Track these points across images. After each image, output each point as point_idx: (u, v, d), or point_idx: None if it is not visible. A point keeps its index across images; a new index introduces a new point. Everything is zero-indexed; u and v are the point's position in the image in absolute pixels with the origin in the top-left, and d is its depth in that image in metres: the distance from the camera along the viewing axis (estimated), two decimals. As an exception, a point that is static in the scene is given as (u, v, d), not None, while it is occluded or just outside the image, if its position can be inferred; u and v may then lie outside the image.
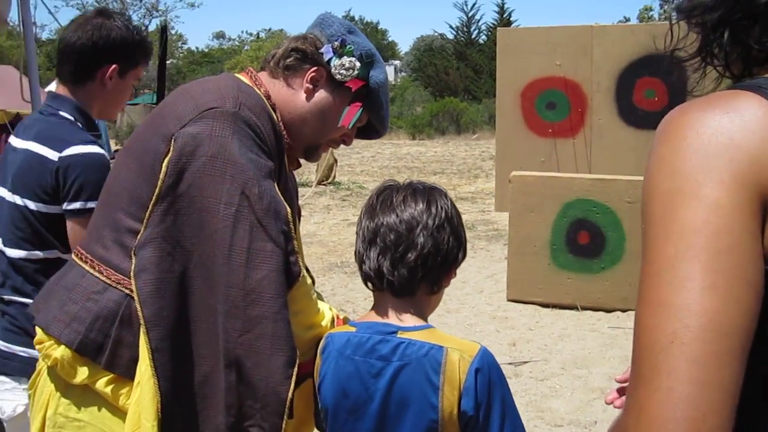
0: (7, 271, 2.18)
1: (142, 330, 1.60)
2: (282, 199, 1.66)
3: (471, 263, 8.14)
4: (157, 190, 1.62)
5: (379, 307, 1.62)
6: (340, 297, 6.85)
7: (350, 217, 11.03)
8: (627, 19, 37.81)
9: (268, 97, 1.83)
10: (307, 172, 15.41)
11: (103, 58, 2.20)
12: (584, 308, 6.21)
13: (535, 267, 6.33)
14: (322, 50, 1.85)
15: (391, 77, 63.15)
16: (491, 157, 19.49)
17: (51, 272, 2.07)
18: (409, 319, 1.58)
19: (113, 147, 23.79)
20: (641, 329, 0.77)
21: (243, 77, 1.87)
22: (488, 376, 1.50)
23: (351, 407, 1.56)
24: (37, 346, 1.78)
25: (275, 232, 1.60)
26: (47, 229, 2.12)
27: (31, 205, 2.11)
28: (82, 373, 1.69)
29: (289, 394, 1.56)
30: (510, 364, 5.00)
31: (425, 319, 1.60)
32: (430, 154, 22.30)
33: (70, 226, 2.09)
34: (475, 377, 1.48)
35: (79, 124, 2.19)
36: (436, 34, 49.35)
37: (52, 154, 2.08)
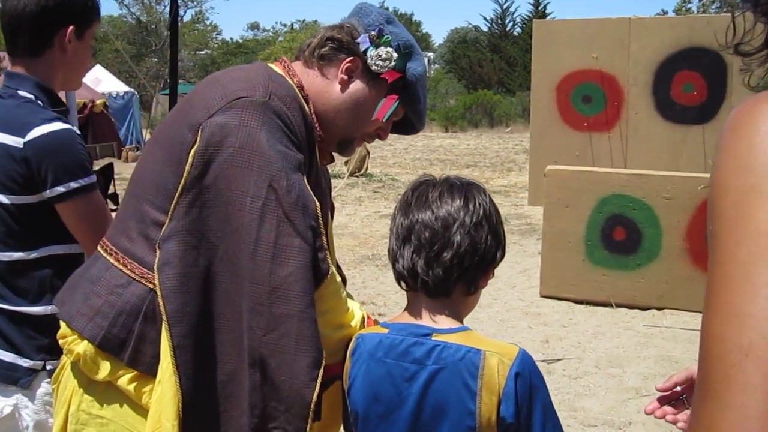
0: None
1: (164, 326, 1.55)
2: (311, 193, 1.60)
3: (504, 258, 8.07)
4: (182, 182, 1.57)
5: (412, 308, 1.56)
6: (371, 290, 6.81)
7: (382, 209, 10.99)
8: (664, 12, 37.23)
9: (301, 88, 1.77)
10: (339, 164, 15.38)
11: (57, 20, 2.04)
12: (619, 305, 6.11)
13: (569, 263, 6.24)
14: (358, 40, 1.78)
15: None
16: (524, 151, 19.33)
17: (34, 273, 2.01)
18: (444, 321, 1.51)
19: (147, 137, 23.71)
20: (711, 339, 0.70)
21: (275, 67, 1.82)
22: (529, 380, 1.44)
23: (383, 412, 1.51)
24: (60, 341, 1.74)
25: (303, 227, 1.54)
26: (26, 224, 2.01)
27: (4, 199, 1.98)
28: (105, 369, 1.65)
29: (314, 397, 1.50)
30: (543, 361, 4.92)
31: (461, 321, 1.54)
32: (462, 147, 22.16)
33: (64, 212, 1.99)
34: (515, 382, 1.42)
35: (39, 102, 2.04)
36: (470, 26, 48.97)
37: (16, 141, 1.95)
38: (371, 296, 6.58)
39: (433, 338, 1.48)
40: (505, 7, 43.67)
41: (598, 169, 7.03)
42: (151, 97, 30.62)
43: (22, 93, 2.04)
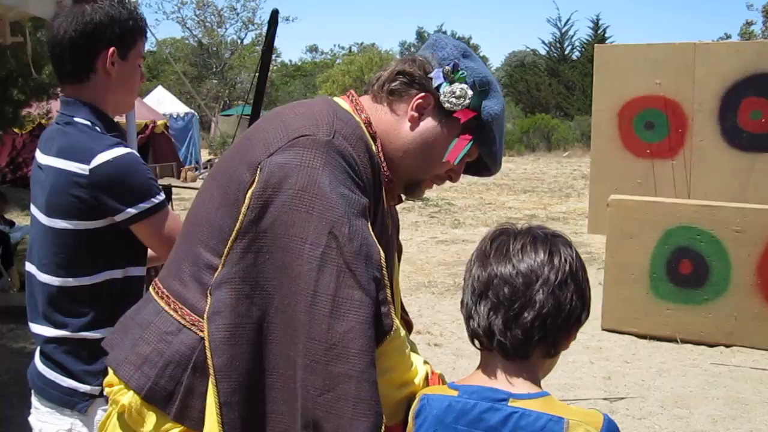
0: (43, 300, 2.04)
1: (211, 381, 1.45)
2: (375, 241, 1.49)
3: (563, 288, 7.88)
4: (237, 225, 1.48)
5: (485, 369, 1.44)
6: (426, 318, 6.71)
7: (438, 235, 10.88)
8: (728, 36, 36.49)
9: (369, 125, 1.67)
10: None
11: (97, 44, 2.03)
12: (684, 341, 5.90)
13: (632, 295, 6.05)
14: (431, 75, 1.66)
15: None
16: (583, 176, 19.04)
17: (93, 298, 1.99)
18: (522, 385, 1.39)
19: (204, 158, 23.91)
20: None
21: (342, 101, 1.71)
22: None
23: None
24: (106, 389, 1.67)
25: (365, 279, 1.42)
26: (87, 249, 1.98)
27: (69, 225, 1.96)
28: (150, 423, 1.55)
29: None
30: (605, 399, 4.75)
31: (539, 386, 1.42)
32: (519, 171, 21.94)
33: (138, 232, 1.98)
34: None
35: (97, 128, 2.03)
36: (528, 49, 48.75)
37: (81, 168, 1.93)
38: (427, 325, 6.47)
39: (509, 404, 1.36)
40: (564, 31, 43.38)
41: (663, 199, 6.82)
42: (210, 118, 31.10)
43: (78, 120, 2.03)
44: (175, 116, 22.60)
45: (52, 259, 2.01)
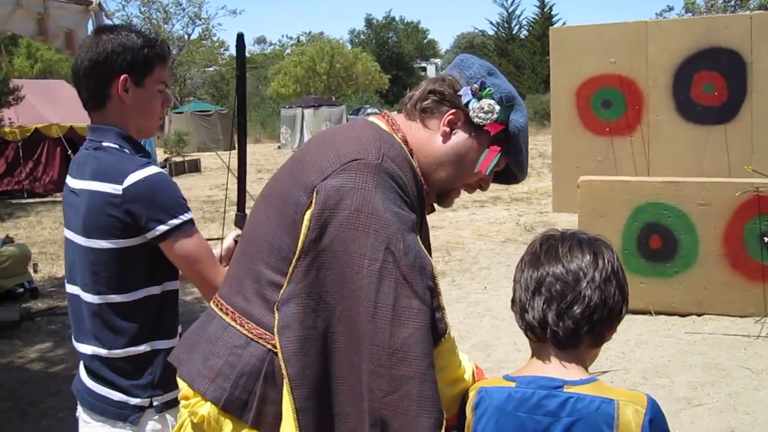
0: (89, 319, 2.12)
1: (286, 389, 1.58)
2: (427, 253, 1.62)
3: (535, 268, 8.08)
4: (299, 245, 1.60)
5: (539, 359, 1.58)
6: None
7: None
8: (670, 8, 37.19)
9: (406, 142, 1.79)
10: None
11: (107, 73, 2.10)
12: (658, 313, 6.13)
13: (606, 272, 6.25)
14: (460, 92, 1.79)
15: (432, 75, 62.93)
16: (540, 155, 19.34)
17: (135, 314, 2.07)
18: (574, 372, 1.53)
19: (161, 157, 23.51)
20: None
21: (380, 122, 1.83)
22: (660, 426, 1.47)
23: None
24: (182, 402, 1.77)
25: (421, 289, 1.56)
26: (127, 267, 2.06)
27: (107, 244, 2.04)
28: (227, 430, 1.68)
29: None
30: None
31: (587, 372, 1.56)
32: (477, 154, 22.13)
33: (168, 249, 2.05)
34: (650, 429, 1.45)
35: (126, 150, 2.11)
36: (476, 31, 49.11)
37: (115, 188, 2.01)
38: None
39: (565, 390, 1.50)
40: (510, 10, 43.77)
41: (631, 178, 7.04)
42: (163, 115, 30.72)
43: (106, 144, 2.11)
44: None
45: (93, 278, 2.08)
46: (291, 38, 62.00)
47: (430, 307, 1.56)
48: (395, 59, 53.33)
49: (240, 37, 2.47)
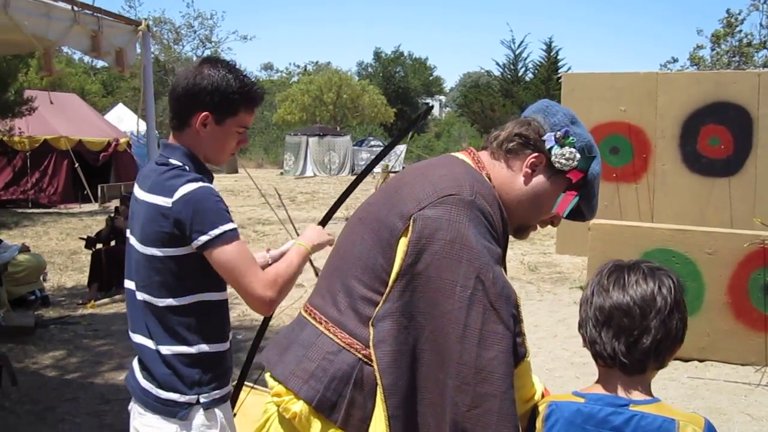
0: (142, 315, 2.27)
1: (380, 397, 1.74)
2: (510, 284, 1.78)
3: (540, 306, 8.23)
4: (396, 268, 1.77)
5: (607, 381, 1.71)
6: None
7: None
8: (675, 60, 37.64)
9: (489, 179, 1.93)
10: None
11: (193, 105, 2.24)
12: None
13: (612, 314, 6.40)
14: (544, 138, 1.93)
15: (436, 112, 63.40)
16: (543, 197, 19.50)
17: (186, 317, 2.21)
18: (639, 394, 1.68)
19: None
20: None
21: (467, 158, 1.98)
22: None
23: None
24: (275, 399, 1.93)
25: (506, 316, 1.72)
26: (177, 274, 2.20)
27: (159, 252, 2.18)
28: (316, 428, 1.84)
29: None
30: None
31: (651, 392, 1.71)
32: (480, 192, 22.31)
33: (212, 257, 2.16)
34: None
35: (186, 168, 2.24)
36: (482, 70, 49.58)
37: (166, 201, 2.15)
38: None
39: (630, 408, 1.65)
40: (517, 52, 44.22)
41: (641, 223, 7.23)
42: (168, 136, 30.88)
43: (172, 161, 2.26)
44: (136, 135, 22.42)
45: (148, 281, 2.24)
46: (298, 66, 62.41)
47: (512, 332, 1.72)
48: (401, 93, 53.74)
49: (428, 110, 2.67)
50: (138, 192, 2.30)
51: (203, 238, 2.14)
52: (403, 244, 1.77)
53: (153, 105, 4.78)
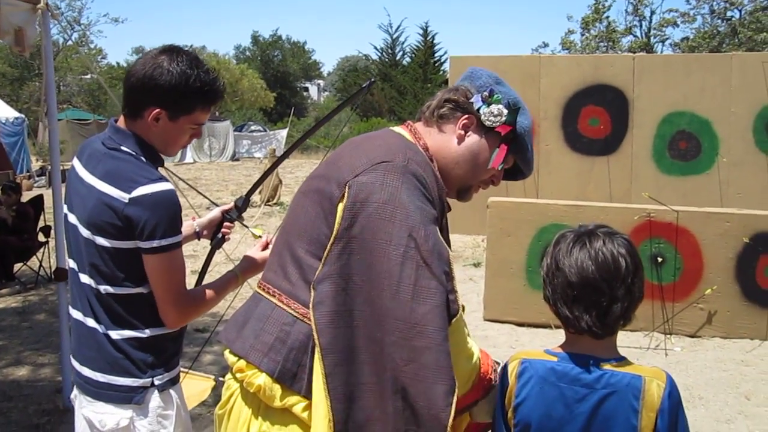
0: (85, 296, 2.22)
1: (317, 356, 1.80)
2: (444, 242, 1.85)
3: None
4: (334, 232, 1.83)
5: (578, 343, 1.81)
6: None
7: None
8: (546, 44, 38.99)
9: (426, 149, 2.02)
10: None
11: (146, 98, 2.16)
12: (557, 327, 6.55)
13: (511, 288, 6.67)
14: (472, 100, 2.04)
15: (315, 96, 63.19)
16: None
17: (133, 305, 2.19)
18: (607, 353, 1.78)
19: (35, 165, 22.25)
20: None
21: (404, 131, 2.07)
22: (676, 397, 1.75)
23: (554, 427, 1.78)
24: (238, 375, 1.96)
25: (438, 271, 1.78)
26: (127, 264, 2.16)
27: (104, 242, 2.14)
28: (281, 398, 1.89)
29: (450, 421, 1.73)
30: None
31: (617, 351, 1.82)
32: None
33: (150, 261, 2.14)
34: (669, 400, 1.72)
35: (141, 158, 2.18)
36: (360, 54, 49.76)
37: (121, 195, 2.09)
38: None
39: (601, 367, 1.76)
40: (394, 37, 44.60)
41: (537, 200, 7.52)
42: (36, 122, 29.52)
43: (124, 149, 2.19)
44: (3, 121, 21.24)
45: (91, 268, 2.19)
46: (172, 50, 60.49)
47: (445, 288, 1.79)
48: (280, 77, 53.22)
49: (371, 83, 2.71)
50: (83, 173, 2.22)
51: (152, 244, 2.12)
52: (340, 210, 1.83)
53: (54, 87, 4.56)
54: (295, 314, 1.89)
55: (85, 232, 2.19)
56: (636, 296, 1.77)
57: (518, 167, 2.15)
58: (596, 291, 1.74)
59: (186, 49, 2.26)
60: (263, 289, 2.00)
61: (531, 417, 1.81)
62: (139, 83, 2.16)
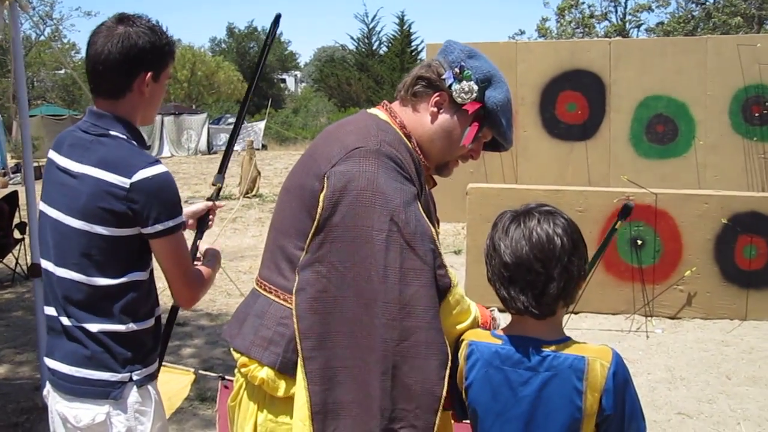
0: (65, 295, 2.16)
1: (297, 340, 1.83)
2: (427, 220, 1.85)
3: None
4: (315, 222, 1.84)
5: (521, 325, 1.79)
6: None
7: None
8: (522, 32, 39.06)
9: (403, 127, 2.02)
10: (230, 185, 15.36)
11: (137, 67, 2.15)
12: (539, 312, 6.57)
13: (492, 274, 6.65)
14: (444, 76, 2.01)
15: (292, 87, 62.90)
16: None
17: (121, 296, 2.14)
18: (551, 334, 1.77)
19: (10, 162, 22.18)
20: None
21: (379, 111, 2.07)
22: (622, 376, 1.73)
23: (499, 410, 1.77)
24: (242, 370, 2.00)
25: (423, 251, 1.79)
26: (118, 253, 2.13)
27: (104, 231, 2.09)
28: (284, 388, 1.92)
29: (444, 392, 1.77)
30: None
31: (562, 331, 1.80)
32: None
33: (159, 245, 2.13)
34: (614, 380, 1.71)
35: (133, 142, 2.16)
36: (337, 45, 49.67)
37: (122, 181, 2.06)
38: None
39: (543, 349, 1.74)
40: (371, 26, 44.51)
41: (517, 186, 7.53)
42: (11, 119, 29.20)
43: (113, 133, 2.15)
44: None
45: (82, 260, 2.13)
46: (146, 44, 59.97)
47: (432, 266, 1.80)
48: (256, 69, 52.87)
49: (278, 18, 2.68)
50: (68, 164, 2.16)
51: (158, 227, 2.09)
52: (321, 201, 1.84)
53: (24, 83, 4.47)
54: (291, 308, 1.90)
55: (76, 223, 2.12)
56: (575, 275, 1.74)
57: (497, 141, 2.13)
58: (530, 271, 1.72)
59: (130, 14, 2.24)
60: (260, 286, 2.04)
61: (478, 401, 1.81)
62: (122, 56, 2.12)
